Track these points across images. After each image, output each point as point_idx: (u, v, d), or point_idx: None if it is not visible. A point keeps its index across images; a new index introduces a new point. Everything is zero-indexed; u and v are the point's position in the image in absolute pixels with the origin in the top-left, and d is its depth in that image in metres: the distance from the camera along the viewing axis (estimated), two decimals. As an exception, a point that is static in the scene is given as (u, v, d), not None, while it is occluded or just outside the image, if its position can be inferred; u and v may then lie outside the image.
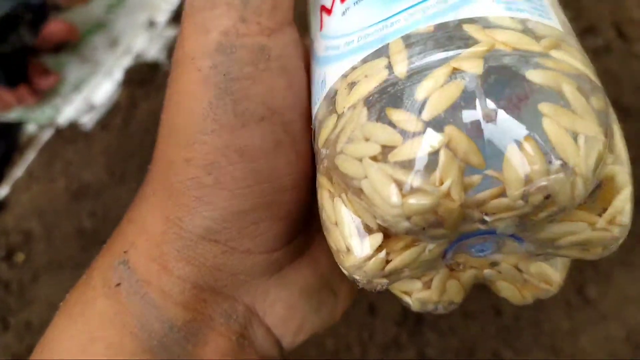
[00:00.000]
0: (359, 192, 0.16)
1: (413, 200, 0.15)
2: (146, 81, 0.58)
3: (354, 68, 0.17)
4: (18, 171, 0.55)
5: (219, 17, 0.19)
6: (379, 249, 0.17)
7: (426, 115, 0.15)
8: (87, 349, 0.19)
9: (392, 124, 0.15)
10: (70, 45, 0.63)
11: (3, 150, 0.56)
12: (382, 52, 0.17)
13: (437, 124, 0.15)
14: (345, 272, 0.18)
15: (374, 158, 0.16)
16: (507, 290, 0.20)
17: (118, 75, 0.59)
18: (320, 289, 0.23)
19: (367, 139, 0.16)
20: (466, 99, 0.15)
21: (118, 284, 0.20)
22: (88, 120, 0.57)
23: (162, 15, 0.63)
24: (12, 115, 0.60)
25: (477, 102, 0.15)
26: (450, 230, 0.16)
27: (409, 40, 0.17)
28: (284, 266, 0.22)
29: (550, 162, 0.14)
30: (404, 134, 0.15)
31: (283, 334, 0.22)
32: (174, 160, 0.19)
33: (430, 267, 0.19)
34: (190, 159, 0.19)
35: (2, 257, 0.50)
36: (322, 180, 0.18)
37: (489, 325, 0.42)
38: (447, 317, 0.42)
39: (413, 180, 0.15)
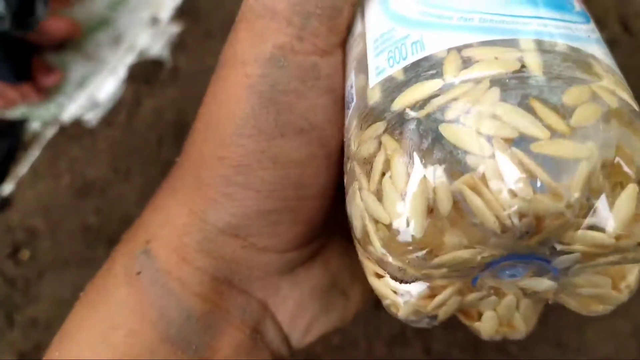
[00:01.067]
0: (459, 167, 0.15)
1: (544, 199, 0.14)
2: (150, 78, 0.58)
3: (469, 46, 0.17)
4: (23, 168, 0.55)
5: (277, 30, 0.19)
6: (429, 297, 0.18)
7: (575, 122, 0.15)
8: (107, 336, 0.20)
9: (537, 116, 0.15)
10: (73, 43, 0.63)
11: (7, 148, 0.57)
12: (513, 44, 0.17)
13: (582, 134, 0.15)
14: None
15: (507, 141, 0.15)
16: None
17: (122, 72, 0.59)
18: (330, 290, 0.23)
19: (499, 119, 0.15)
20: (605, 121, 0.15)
21: (139, 273, 0.20)
22: (92, 117, 0.57)
23: (166, 12, 0.63)
24: (16, 112, 0.60)
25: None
26: (537, 243, 0.16)
27: (543, 47, 0.17)
28: (297, 266, 0.22)
29: None
30: (550, 130, 0.15)
31: (292, 331, 0.23)
32: (207, 156, 0.20)
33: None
34: (223, 158, 0.19)
35: (8, 255, 0.51)
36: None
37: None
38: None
39: (550, 179, 0.14)
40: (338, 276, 0.23)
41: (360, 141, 0.18)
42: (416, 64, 0.17)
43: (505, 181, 0.15)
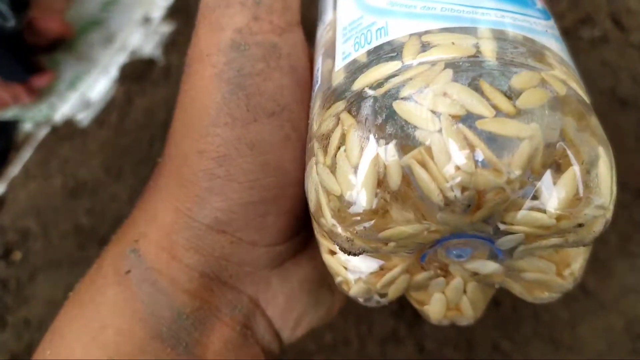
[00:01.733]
0: (409, 142, 0.16)
1: (485, 173, 0.15)
2: (142, 77, 0.57)
3: (429, 32, 0.18)
4: (15, 169, 0.55)
5: (233, 15, 0.20)
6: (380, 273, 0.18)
7: (521, 103, 0.15)
8: (97, 336, 0.20)
9: (484, 96, 0.15)
10: (65, 43, 0.63)
11: (0, 149, 0.56)
12: (470, 32, 0.17)
13: (526, 116, 0.15)
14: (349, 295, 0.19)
15: (455, 117, 0.15)
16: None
17: (114, 71, 0.59)
18: (318, 285, 0.23)
19: (449, 97, 0.16)
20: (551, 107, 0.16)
21: (128, 272, 0.20)
22: (84, 117, 0.57)
23: (157, 12, 0.63)
24: (8, 113, 0.60)
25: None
26: (479, 219, 0.16)
27: (500, 36, 0.17)
28: (285, 260, 0.22)
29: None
30: (496, 110, 0.15)
31: (282, 326, 0.23)
32: (187, 152, 0.20)
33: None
34: (203, 151, 0.20)
35: (0, 256, 0.50)
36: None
37: (488, 317, 0.42)
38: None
39: (492, 154, 0.15)
40: (324, 270, 0.23)
41: (322, 120, 0.18)
42: (379, 48, 0.18)
43: (450, 155, 0.15)
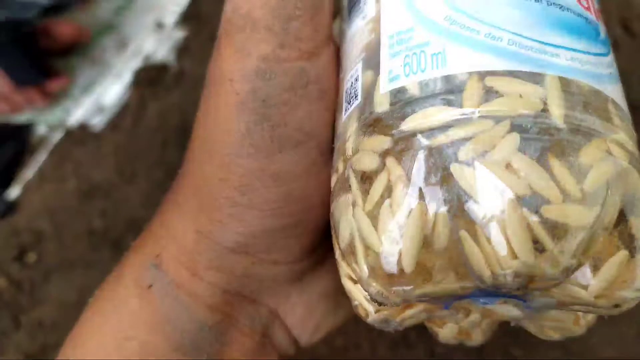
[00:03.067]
0: (464, 214, 0.15)
1: (543, 265, 0.14)
2: (155, 82, 0.58)
3: (494, 73, 0.16)
4: (29, 172, 0.55)
5: (259, 41, 0.19)
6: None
7: (588, 186, 0.14)
8: (122, 347, 0.20)
9: (553, 175, 0.14)
10: (79, 47, 0.64)
11: (14, 152, 0.57)
12: (538, 80, 0.16)
13: (590, 199, 0.14)
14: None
15: (519, 199, 0.14)
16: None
17: (127, 76, 0.60)
18: (337, 293, 0.23)
19: (515, 173, 0.14)
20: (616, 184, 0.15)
21: (150, 286, 0.21)
22: (98, 122, 0.57)
23: (170, 17, 0.63)
24: (23, 117, 0.60)
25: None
26: (522, 293, 0.16)
27: (568, 88, 0.16)
28: (306, 273, 0.22)
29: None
30: (565, 193, 0.14)
31: (301, 333, 0.23)
32: (208, 177, 0.20)
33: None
34: (225, 179, 0.19)
35: (14, 257, 0.51)
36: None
37: (499, 324, 0.42)
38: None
39: (554, 246, 0.14)
40: None
41: (361, 149, 0.17)
42: (434, 82, 0.16)
43: (509, 241, 0.14)
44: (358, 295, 0.19)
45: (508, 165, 0.15)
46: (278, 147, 0.19)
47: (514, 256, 0.14)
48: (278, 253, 0.21)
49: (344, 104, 0.19)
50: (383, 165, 0.16)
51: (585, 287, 0.15)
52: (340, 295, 0.23)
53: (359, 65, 0.19)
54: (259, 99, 0.19)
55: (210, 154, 0.20)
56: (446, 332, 0.21)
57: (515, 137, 0.15)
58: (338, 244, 0.18)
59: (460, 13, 0.17)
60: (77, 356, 0.20)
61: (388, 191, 0.16)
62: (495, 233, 0.14)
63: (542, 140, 0.15)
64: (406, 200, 0.15)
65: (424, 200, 0.15)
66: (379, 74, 0.18)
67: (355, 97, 0.18)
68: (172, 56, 0.60)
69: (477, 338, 0.21)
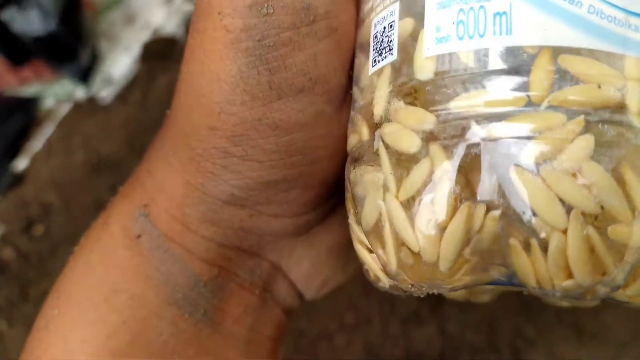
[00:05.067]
0: (520, 224, 0.13)
1: (597, 286, 0.13)
2: (164, 55, 0.57)
3: (569, 51, 0.13)
4: (37, 144, 0.55)
5: None
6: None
7: None
8: (110, 299, 0.19)
9: (626, 192, 0.12)
10: (90, 15, 0.63)
11: (21, 124, 0.57)
12: (618, 63, 0.13)
13: None
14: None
15: (586, 217, 0.13)
16: None
17: (136, 49, 0.59)
18: (348, 247, 0.21)
19: (586, 188, 0.12)
20: None
21: (139, 236, 0.19)
22: (107, 95, 0.57)
23: (180, -10, 0.63)
24: (31, 90, 0.60)
25: None
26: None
27: None
28: (313, 226, 0.21)
29: None
30: (636, 212, 0.13)
31: (307, 288, 0.22)
32: (197, 125, 0.17)
33: None
34: (215, 128, 0.17)
35: (22, 229, 0.51)
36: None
37: (511, 302, 0.42)
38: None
39: (615, 269, 0.13)
40: None
41: (395, 120, 0.14)
42: (495, 53, 0.13)
43: (568, 260, 0.13)
44: (371, 263, 0.18)
45: (577, 176, 0.13)
46: (277, 94, 0.16)
47: (569, 276, 0.13)
48: (279, 206, 0.19)
49: (372, 53, 0.16)
50: (425, 151, 0.14)
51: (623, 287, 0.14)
52: (350, 249, 0.21)
53: (396, 7, 0.15)
54: (253, 38, 0.16)
55: (197, 100, 0.17)
56: (455, 294, 0.20)
57: (589, 141, 0.13)
58: (356, 215, 0.17)
59: None
60: (62, 307, 0.19)
61: (430, 185, 0.13)
62: (553, 250, 0.13)
63: (619, 145, 0.13)
64: (452, 201, 0.13)
65: (473, 202, 0.13)
66: (422, 27, 0.14)
67: (389, 49, 0.15)
68: (181, 29, 0.59)
69: (484, 298, 0.21)
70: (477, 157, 0.13)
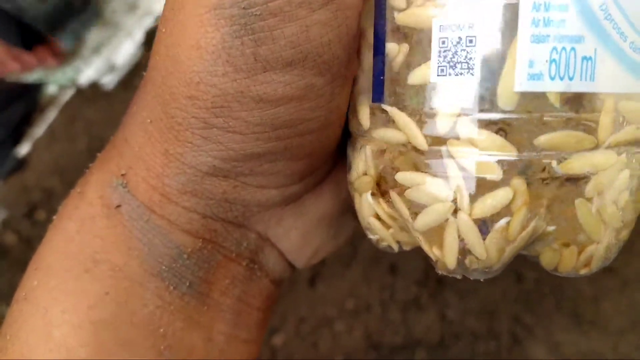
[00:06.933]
0: (575, 239, 0.16)
1: None
2: (167, 42, 0.57)
3: (629, 97, 0.15)
4: (39, 130, 0.55)
5: None
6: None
7: None
8: (91, 270, 0.18)
9: None
10: (90, 8, 0.63)
11: (24, 110, 0.57)
12: None
13: None
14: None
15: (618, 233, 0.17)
16: None
17: (139, 36, 0.59)
18: (340, 215, 0.21)
19: (621, 209, 0.16)
20: None
21: (118, 206, 0.18)
22: (109, 81, 0.57)
23: (183, -23, 0.62)
24: (33, 76, 0.60)
25: None
26: None
27: None
28: (302, 195, 0.20)
29: None
30: None
31: (297, 258, 0.21)
32: (175, 92, 0.16)
33: None
34: (194, 97, 0.16)
35: (24, 214, 0.51)
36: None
37: (510, 289, 0.42)
38: (468, 279, 0.41)
39: None
40: (348, 199, 0.20)
41: (473, 138, 0.15)
42: (579, 98, 0.14)
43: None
44: (384, 233, 0.19)
45: (617, 203, 0.15)
46: (262, 67, 0.15)
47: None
48: (264, 177, 0.18)
49: (438, 58, 0.15)
50: (507, 181, 0.15)
51: None
52: (343, 217, 0.21)
53: (477, 21, 0.14)
54: (238, 5, 0.14)
55: (175, 66, 0.16)
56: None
57: (625, 175, 0.15)
58: (385, 199, 0.17)
59: (616, 6, 0.13)
60: (43, 278, 0.18)
61: (506, 210, 0.15)
62: (597, 262, 0.17)
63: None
64: (525, 225, 0.15)
65: (539, 222, 0.15)
66: (509, 55, 0.14)
67: (467, 66, 0.14)
68: (185, 17, 0.59)
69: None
70: (548, 188, 0.15)
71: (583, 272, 0.17)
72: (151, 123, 0.17)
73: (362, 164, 0.18)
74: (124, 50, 0.59)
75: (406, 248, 0.19)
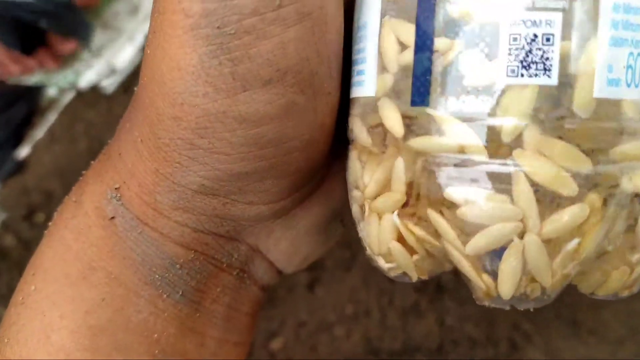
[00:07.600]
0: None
1: None
2: (168, 46, 0.58)
3: None
4: (39, 132, 0.55)
5: None
6: None
7: None
8: (88, 277, 0.18)
9: None
10: (91, 11, 0.63)
11: (24, 113, 0.57)
12: None
13: None
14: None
15: None
16: None
17: (140, 39, 0.59)
18: (328, 222, 0.21)
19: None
20: None
21: (113, 218, 0.18)
22: (110, 84, 0.57)
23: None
24: (34, 79, 0.60)
25: None
26: None
27: None
28: (291, 209, 0.20)
29: None
30: None
31: (286, 266, 0.22)
32: (161, 113, 0.16)
33: None
34: (179, 119, 0.16)
35: (23, 217, 0.51)
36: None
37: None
38: (468, 286, 0.41)
39: None
40: (339, 204, 0.21)
41: (546, 148, 0.13)
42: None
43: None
44: (406, 260, 0.17)
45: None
46: (242, 86, 0.15)
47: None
48: (254, 195, 0.18)
49: (509, 57, 0.13)
50: (582, 197, 0.14)
51: None
52: (331, 224, 0.21)
53: (557, 18, 0.13)
54: (213, 25, 0.14)
55: (159, 88, 0.16)
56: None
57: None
58: (453, 238, 0.15)
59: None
60: (40, 283, 0.19)
61: (577, 229, 0.14)
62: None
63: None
64: (599, 244, 0.14)
65: (604, 242, 0.15)
66: (586, 54, 0.13)
67: (544, 68, 0.13)
68: (186, 21, 0.59)
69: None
70: (620, 205, 0.14)
71: (625, 294, 0.16)
72: (142, 142, 0.18)
73: (384, 179, 0.16)
74: (125, 53, 0.59)
75: (423, 277, 0.17)
